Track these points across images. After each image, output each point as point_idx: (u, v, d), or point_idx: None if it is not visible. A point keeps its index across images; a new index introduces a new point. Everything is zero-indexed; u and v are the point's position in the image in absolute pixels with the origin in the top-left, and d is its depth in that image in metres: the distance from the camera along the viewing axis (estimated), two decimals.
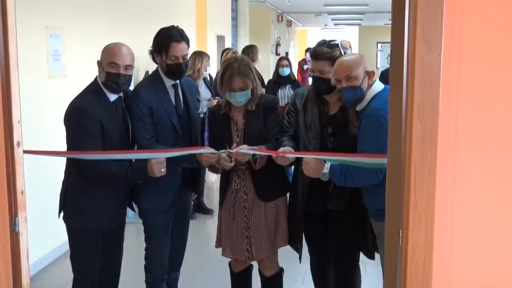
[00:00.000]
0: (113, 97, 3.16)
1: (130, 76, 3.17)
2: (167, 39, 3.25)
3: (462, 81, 1.68)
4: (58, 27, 4.91)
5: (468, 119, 1.70)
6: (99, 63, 3.15)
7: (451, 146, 1.70)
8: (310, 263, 3.51)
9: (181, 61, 3.27)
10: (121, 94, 3.21)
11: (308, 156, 3.02)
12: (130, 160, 3.19)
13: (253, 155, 3.17)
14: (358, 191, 3.06)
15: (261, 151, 3.15)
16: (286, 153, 3.07)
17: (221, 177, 3.45)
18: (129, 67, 3.13)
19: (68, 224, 3.25)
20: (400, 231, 1.81)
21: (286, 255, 3.52)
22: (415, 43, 1.67)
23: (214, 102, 5.68)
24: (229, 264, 3.55)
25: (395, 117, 1.97)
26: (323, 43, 3.23)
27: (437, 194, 1.71)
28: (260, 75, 6.65)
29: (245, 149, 3.13)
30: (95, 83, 3.18)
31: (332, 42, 3.21)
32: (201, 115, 5.61)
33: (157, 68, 3.36)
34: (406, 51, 1.76)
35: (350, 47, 6.26)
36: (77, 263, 3.27)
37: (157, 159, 3.14)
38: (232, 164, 3.21)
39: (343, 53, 3.19)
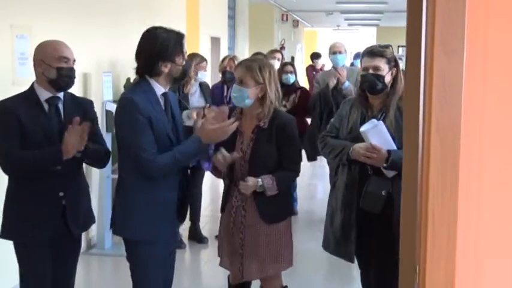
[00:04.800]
0: (46, 95, 3.39)
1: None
2: None
3: (488, 92, 1.68)
4: (25, 27, 4.95)
5: (495, 136, 1.69)
6: (39, 61, 3.37)
7: (475, 168, 1.70)
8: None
9: None
10: (58, 94, 3.41)
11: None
12: (43, 146, 3.30)
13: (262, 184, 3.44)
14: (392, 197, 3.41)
15: None
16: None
17: (224, 185, 3.72)
18: (74, 62, 3.45)
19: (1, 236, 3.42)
20: (417, 267, 1.81)
21: (288, 272, 3.74)
22: (433, 49, 1.68)
23: (194, 115, 5.54)
24: (228, 278, 3.77)
25: (411, 133, 1.98)
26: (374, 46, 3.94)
27: (459, 224, 1.71)
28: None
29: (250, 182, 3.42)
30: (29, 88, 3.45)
31: (383, 44, 3.87)
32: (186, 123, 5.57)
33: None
34: (423, 59, 1.77)
35: (345, 50, 6.83)
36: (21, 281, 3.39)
37: (74, 129, 3.20)
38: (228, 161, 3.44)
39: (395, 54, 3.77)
